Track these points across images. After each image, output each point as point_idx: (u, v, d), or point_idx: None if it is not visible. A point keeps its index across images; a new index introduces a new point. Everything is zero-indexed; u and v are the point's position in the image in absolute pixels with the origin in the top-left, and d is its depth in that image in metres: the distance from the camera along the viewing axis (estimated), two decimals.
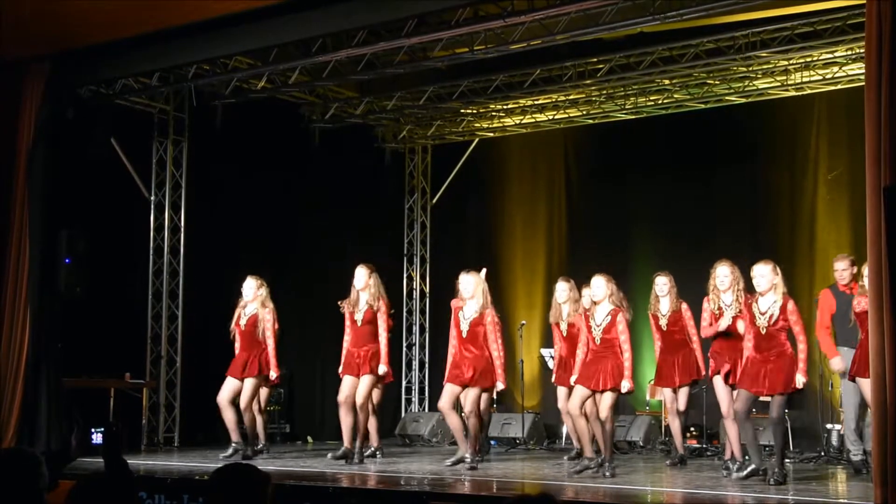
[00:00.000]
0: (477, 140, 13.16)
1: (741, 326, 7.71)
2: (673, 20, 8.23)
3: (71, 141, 9.18)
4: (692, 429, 10.42)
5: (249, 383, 9.06)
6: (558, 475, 8.25)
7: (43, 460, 3.63)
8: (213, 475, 3.38)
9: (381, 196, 13.24)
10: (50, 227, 8.93)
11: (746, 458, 7.74)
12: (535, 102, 12.07)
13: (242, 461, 8.12)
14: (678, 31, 9.61)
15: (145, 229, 11.02)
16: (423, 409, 13.13)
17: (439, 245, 13.62)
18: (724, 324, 7.86)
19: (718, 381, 8.07)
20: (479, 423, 8.61)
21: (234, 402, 9.09)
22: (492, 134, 12.93)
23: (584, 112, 12.00)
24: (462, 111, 12.53)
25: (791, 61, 10.36)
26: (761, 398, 7.67)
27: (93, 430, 9.10)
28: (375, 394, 9.33)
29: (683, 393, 8.79)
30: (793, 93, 10.82)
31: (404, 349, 13.35)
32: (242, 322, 9.17)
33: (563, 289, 9.18)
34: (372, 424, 9.19)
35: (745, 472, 7.42)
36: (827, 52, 10.16)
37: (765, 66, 10.55)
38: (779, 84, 10.80)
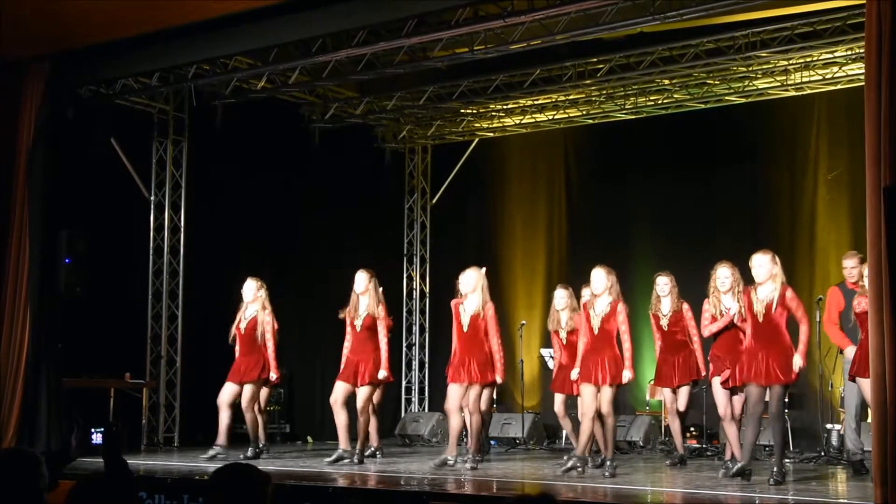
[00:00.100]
0: (477, 140, 13.16)
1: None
2: (673, 20, 8.23)
3: (71, 141, 9.18)
4: (692, 429, 10.42)
5: (249, 386, 9.08)
6: (558, 475, 8.25)
7: (43, 460, 3.63)
8: (213, 475, 3.38)
9: (381, 196, 13.24)
10: (50, 227, 8.93)
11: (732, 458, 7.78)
12: (535, 102, 12.07)
13: (242, 461, 8.11)
14: (678, 31, 9.61)
15: (145, 229, 11.02)
16: (423, 409, 13.13)
17: (439, 245, 13.62)
18: (733, 312, 7.83)
19: (717, 384, 8.07)
20: (481, 421, 8.61)
21: (233, 404, 9.11)
22: (492, 134, 12.93)
23: (584, 112, 12.00)
24: (462, 111, 12.54)
25: (791, 61, 10.36)
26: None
27: (93, 430, 9.10)
28: (376, 394, 9.33)
29: (683, 393, 8.78)
30: (793, 93, 10.82)
31: (404, 349, 13.35)
32: (242, 326, 9.17)
33: (561, 296, 9.18)
34: (372, 424, 9.19)
35: (734, 470, 7.35)
36: (827, 52, 10.16)
37: (765, 66, 10.55)
38: (779, 84, 10.80)
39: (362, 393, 8.77)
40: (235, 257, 10.72)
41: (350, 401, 8.91)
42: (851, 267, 8.39)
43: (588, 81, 10.87)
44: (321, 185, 12.15)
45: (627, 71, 10.57)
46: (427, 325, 13.58)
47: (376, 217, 12.92)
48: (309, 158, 12.20)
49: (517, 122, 12.54)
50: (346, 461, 8.73)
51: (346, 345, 8.97)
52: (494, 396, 10.51)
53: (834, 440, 9.42)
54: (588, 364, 7.88)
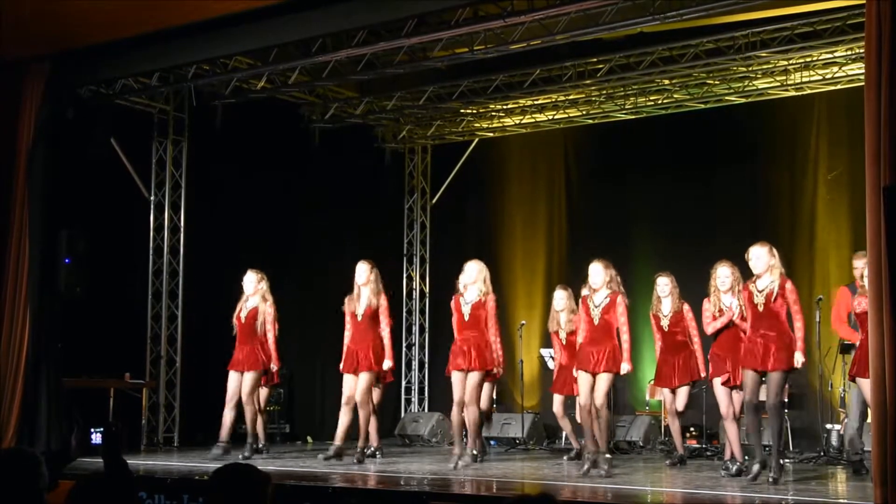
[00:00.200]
0: (477, 140, 13.16)
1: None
2: (673, 20, 8.23)
3: (71, 141, 9.18)
4: (692, 429, 10.42)
5: (250, 376, 9.07)
6: (558, 475, 8.25)
7: (43, 460, 3.62)
8: (213, 475, 3.38)
9: (381, 196, 13.24)
10: (50, 227, 8.93)
11: (746, 459, 7.74)
12: (535, 102, 12.07)
13: (242, 461, 8.11)
14: (678, 31, 9.61)
15: (145, 229, 11.02)
16: (423, 410, 13.13)
17: (439, 245, 13.62)
18: (735, 307, 7.83)
19: (718, 384, 8.07)
20: (479, 413, 8.58)
21: (239, 402, 9.12)
22: (492, 134, 12.94)
23: (584, 112, 12.00)
24: (462, 111, 12.54)
25: (791, 61, 10.37)
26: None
27: (93, 430, 9.10)
28: (375, 394, 9.34)
29: (682, 394, 8.78)
30: (793, 93, 10.82)
31: (404, 349, 13.35)
32: (243, 315, 9.21)
33: (560, 297, 9.18)
34: (372, 424, 9.19)
35: (753, 473, 7.25)
36: (827, 52, 10.16)
37: (765, 66, 10.55)
38: (779, 84, 10.80)
39: (362, 381, 8.74)
40: (235, 257, 10.71)
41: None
42: (862, 266, 8.35)
43: (588, 81, 10.87)
44: (321, 185, 12.15)
45: (627, 71, 10.57)
46: (427, 325, 13.58)
47: (376, 217, 12.92)
48: (309, 158, 12.20)
49: (517, 122, 12.54)
50: (343, 459, 8.71)
51: (347, 335, 8.96)
52: (494, 396, 10.52)
53: (834, 440, 9.42)
54: (587, 352, 7.89)
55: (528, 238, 12.97)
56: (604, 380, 7.83)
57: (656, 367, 8.90)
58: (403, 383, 13.30)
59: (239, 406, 9.12)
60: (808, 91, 10.77)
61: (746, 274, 7.65)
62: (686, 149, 11.76)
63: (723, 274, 7.98)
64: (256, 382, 9.18)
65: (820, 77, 10.56)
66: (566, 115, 12.13)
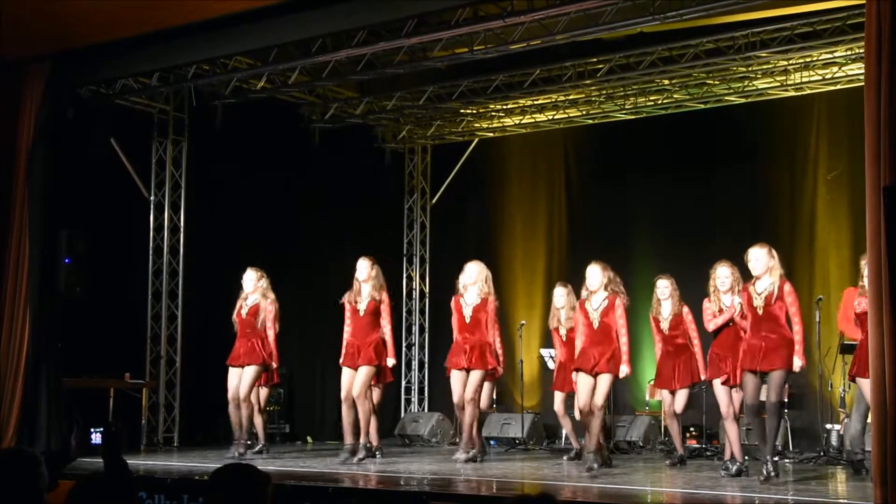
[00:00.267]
0: (477, 140, 13.16)
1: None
2: (673, 20, 8.23)
3: (71, 141, 9.18)
4: (692, 429, 10.42)
5: (250, 370, 9.06)
6: (558, 475, 8.25)
7: (43, 460, 3.62)
8: (213, 475, 3.38)
9: (381, 196, 13.24)
10: (50, 227, 8.92)
11: (746, 459, 7.73)
12: (535, 102, 12.07)
13: (242, 461, 8.11)
14: (678, 31, 9.61)
15: (145, 229, 11.02)
16: (423, 410, 13.13)
17: (439, 245, 13.62)
18: (737, 303, 7.81)
19: (717, 383, 8.06)
20: (477, 412, 8.56)
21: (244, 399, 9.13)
22: (492, 134, 12.93)
23: (584, 112, 12.00)
24: (462, 111, 12.54)
25: (791, 61, 10.37)
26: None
27: (92, 430, 9.10)
28: (375, 394, 9.33)
29: (682, 396, 8.77)
30: (792, 93, 10.82)
31: (404, 349, 13.35)
32: (244, 312, 9.21)
33: (560, 294, 9.18)
34: (372, 424, 9.17)
35: (766, 473, 7.13)
36: (826, 53, 10.16)
37: (764, 66, 10.55)
38: (778, 84, 10.80)
39: (361, 375, 8.72)
40: (235, 257, 10.71)
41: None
42: None
43: (588, 81, 10.87)
44: (321, 186, 12.16)
45: (627, 71, 10.57)
46: (427, 325, 13.58)
47: (376, 217, 12.92)
48: (309, 158, 12.20)
49: (517, 122, 12.54)
50: (355, 457, 8.71)
51: (347, 329, 8.93)
52: (494, 396, 10.52)
53: (834, 440, 9.42)
54: (588, 354, 7.89)
55: (528, 238, 12.96)
56: (605, 380, 7.84)
57: (656, 368, 8.90)
58: (403, 383, 13.30)
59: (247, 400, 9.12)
60: (808, 91, 10.77)
61: (746, 274, 7.65)
62: (686, 149, 11.76)
63: (722, 274, 7.97)
64: (256, 377, 9.17)
65: (820, 77, 10.56)
66: (566, 115, 12.13)
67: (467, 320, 8.40)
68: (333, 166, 12.29)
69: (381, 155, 13.25)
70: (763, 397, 7.36)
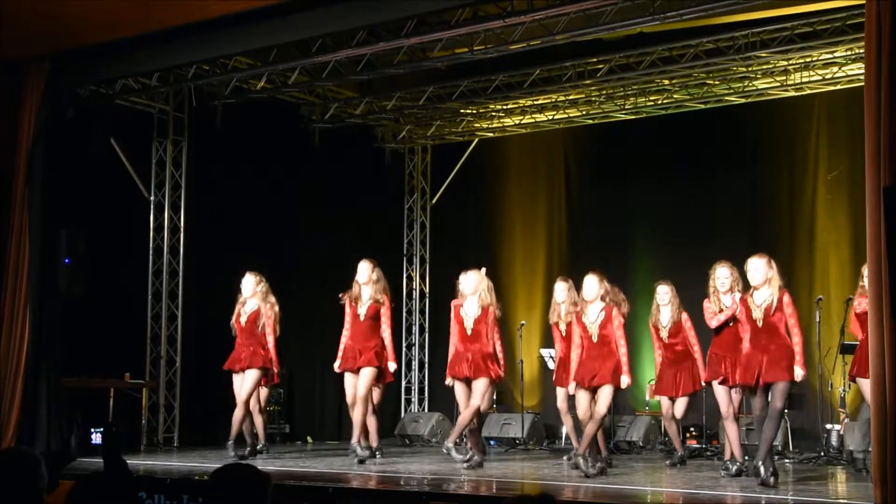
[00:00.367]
0: (477, 140, 13.16)
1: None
2: (673, 20, 8.23)
3: (71, 141, 9.18)
4: (692, 429, 10.42)
5: (251, 376, 9.04)
6: (558, 475, 8.25)
7: (42, 460, 3.62)
8: (213, 475, 3.38)
9: (381, 196, 13.24)
10: (50, 227, 8.92)
11: (746, 459, 7.73)
12: (535, 102, 12.07)
13: (242, 461, 8.11)
14: (678, 32, 9.61)
15: (145, 229, 11.02)
16: (423, 410, 13.14)
17: (439, 245, 13.62)
18: (737, 304, 7.79)
19: (717, 383, 8.06)
20: (475, 415, 8.54)
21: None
22: (492, 134, 12.94)
23: (584, 112, 12.00)
24: (462, 111, 12.54)
25: (791, 61, 10.37)
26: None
27: (92, 430, 9.10)
28: (376, 394, 9.33)
29: (682, 402, 8.76)
30: (792, 93, 10.82)
31: (404, 349, 13.35)
32: (243, 319, 9.14)
33: (561, 289, 9.18)
34: (372, 425, 9.18)
35: (764, 479, 7.10)
36: (827, 53, 10.16)
37: (764, 67, 10.55)
38: (778, 84, 10.80)
39: (365, 377, 8.71)
40: (235, 257, 10.70)
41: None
42: None
43: (588, 81, 10.88)
44: (321, 185, 12.16)
45: (627, 71, 10.57)
46: (427, 325, 13.58)
47: (376, 217, 12.92)
48: (309, 158, 12.20)
49: (517, 122, 12.54)
50: (367, 456, 8.70)
51: (346, 332, 8.91)
52: (494, 396, 10.52)
53: (834, 440, 9.42)
54: (588, 368, 7.85)
55: (528, 238, 12.97)
56: (607, 391, 7.76)
57: (657, 375, 8.88)
58: (403, 383, 13.30)
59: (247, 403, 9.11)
60: (808, 91, 10.77)
61: (746, 277, 7.63)
62: (686, 149, 11.76)
63: (722, 275, 7.96)
64: (257, 382, 9.15)
65: (820, 77, 10.56)
66: (566, 115, 12.13)
67: (468, 332, 8.34)
68: (333, 166, 12.30)
69: (381, 155, 13.25)
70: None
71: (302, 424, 11.94)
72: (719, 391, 8.02)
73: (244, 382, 9.02)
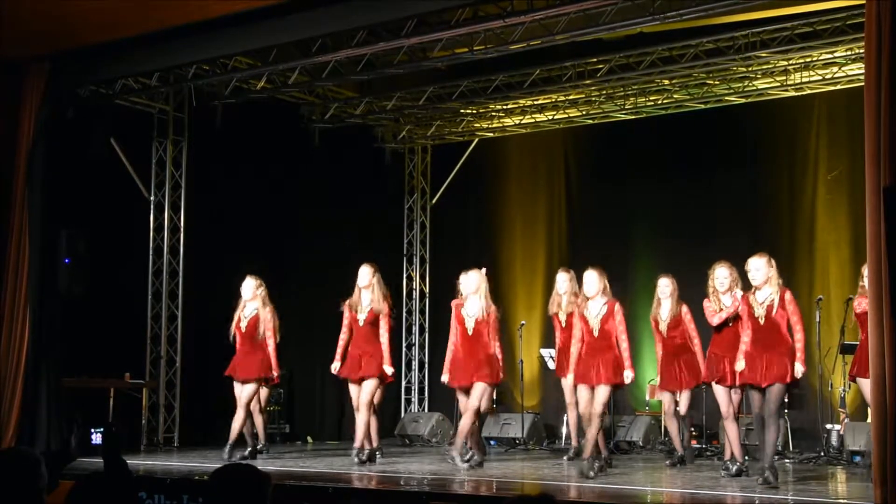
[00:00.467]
0: (477, 140, 13.16)
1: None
2: (673, 20, 8.23)
3: (71, 141, 9.18)
4: (692, 429, 10.41)
5: (250, 384, 9.05)
6: (558, 475, 8.25)
7: (42, 460, 3.62)
8: (213, 475, 3.38)
9: (381, 196, 13.24)
10: (50, 227, 8.92)
11: (746, 459, 7.73)
12: (535, 102, 12.07)
13: (242, 461, 8.12)
14: (678, 32, 9.61)
15: (145, 229, 11.02)
16: (423, 410, 13.13)
17: (439, 245, 13.62)
18: (739, 301, 7.78)
19: (717, 384, 8.06)
20: (476, 418, 8.55)
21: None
22: (492, 134, 12.94)
23: (584, 112, 12.00)
24: (462, 111, 12.54)
25: (791, 61, 10.37)
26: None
27: (92, 430, 9.10)
28: (376, 394, 9.32)
29: (685, 397, 8.77)
30: (792, 93, 10.82)
31: (404, 349, 13.35)
32: (243, 325, 9.12)
33: (563, 279, 9.19)
34: (372, 425, 9.18)
35: (766, 481, 7.12)
36: (827, 53, 10.16)
37: (764, 67, 10.55)
38: (778, 84, 10.80)
39: (369, 386, 8.73)
40: (235, 257, 10.71)
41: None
42: None
43: (588, 81, 10.87)
44: (321, 185, 12.15)
45: (627, 71, 10.57)
46: (427, 325, 13.58)
47: (376, 217, 12.92)
48: (309, 158, 12.19)
49: (517, 122, 12.54)
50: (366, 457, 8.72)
51: (344, 338, 8.90)
52: (494, 396, 10.51)
53: (834, 440, 9.42)
54: (587, 365, 7.88)
55: (528, 238, 12.97)
56: (605, 390, 7.81)
57: (659, 370, 8.89)
58: (403, 383, 13.30)
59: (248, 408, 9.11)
60: (808, 91, 10.77)
61: (745, 276, 7.63)
62: (686, 149, 11.76)
63: (721, 275, 7.96)
64: (256, 389, 9.16)
65: (820, 77, 10.56)
66: (566, 115, 12.13)
67: (469, 332, 8.34)
68: (333, 166, 12.30)
69: (381, 155, 13.25)
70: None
71: (302, 424, 11.94)
72: (719, 391, 8.03)
73: (244, 389, 9.02)
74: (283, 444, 11.23)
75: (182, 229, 11.19)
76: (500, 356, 8.61)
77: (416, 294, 13.61)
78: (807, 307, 9.17)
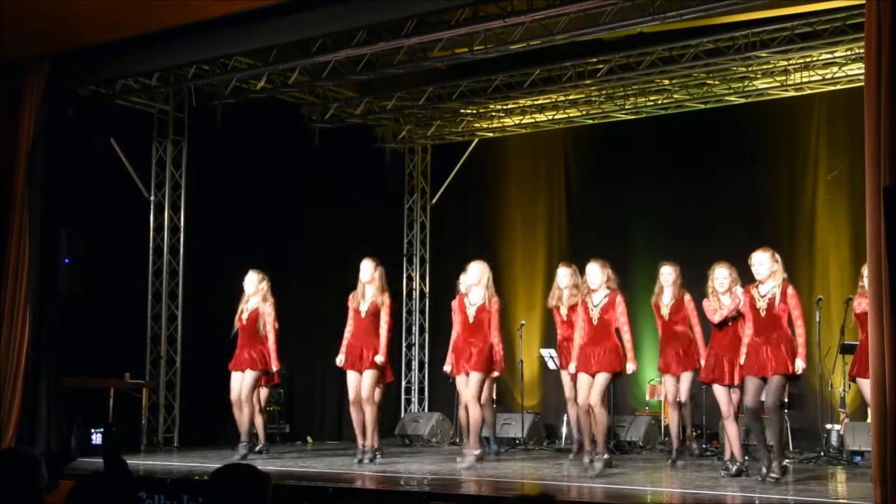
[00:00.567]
0: (477, 140, 13.16)
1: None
2: (673, 20, 8.23)
3: (71, 141, 9.18)
4: (695, 429, 10.40)
5: (251, 375, 9.07)
6: (558, 475, 8.25)
7: (42, 460, 3.62)
8: (213, 475, 3.38)
9: (381, 196, 13.24)
10: (50, 227, 8.92)
11: (746, 459, 7.73)
12: (535, 102, 12.07)
13: (242, 461, 8.11)
14: (678, 32, 9.61)
15: (145, 229, 11.02)
16: (423, 410, 13.13)
17: (439, 245, 13.62)
18: (740, 299, 7.78)
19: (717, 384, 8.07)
20: (481, 413, 8.56)
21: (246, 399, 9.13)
22: (492, 134, 12.94)
23: (584, 112, 12.00)
24: (462, 111, 12.54)
25: (791, 61, 10.37)
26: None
27: (92, 430, 9.10)
28: (376, 393, 9.32)
29: (685, 381, 8.78)
30: (792, 93, 10.82)
31: (404, 349, 13.35)
32: (244, 317, 9.19)
33: (564, 274, 9.21)
34: (370, 421, 9.17)
35: (761, 475, 7.22)
36: (826, 53, 10.16)
37: (764, 67, 10.55)
38: (778, 84, 10.80)
39: (368, 378, 8.73)
40: (235, 257, 10.69)
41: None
42: None
43: (588, 81, 10.87)
44: (321, 185, 12.15)
45: (627, 71, 10.57)
46: (427, 325, 13.58)
47: (376, 217, 12.92)
48: (309, 158, 12.19)
49: (517, 122, 12.54)
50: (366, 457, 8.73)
51: (349, 330, 8.92)
52: (494, 396, 10.51)
53: (834, 440, 9.42)
54: (586, 353, 7.91)
55: (528, 238, 12.97)
56: (602, 378, 7.85)
57: (659, 353, 8.93)
58: (403, 383, 13.29)
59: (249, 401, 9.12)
60: (808, 91, 10.77)
61: (745, 276, 7.64)
62: (686, 149, 11.76)
63: (720, 275, 7.96)
64: (256, 382, 9.18)
65: (820, 77, 10.56)
66: (566, 115, 12.13)
67: (471, 320, 8.39)
68: (333, 166, 12.29)
69: (381, 155, 13.25)
70: (763, 397, 7.37)
71: (302, 424, 11.94)
72: (719, 391, 8.02)
73: (244, 381, 9.05)
74: (283, 444, 11.23)
75: (182, 229, 11.19)
76: (500, 348, 8.63)
77: (416, 294, 13.61)
78: (807, 307, 9.14)
